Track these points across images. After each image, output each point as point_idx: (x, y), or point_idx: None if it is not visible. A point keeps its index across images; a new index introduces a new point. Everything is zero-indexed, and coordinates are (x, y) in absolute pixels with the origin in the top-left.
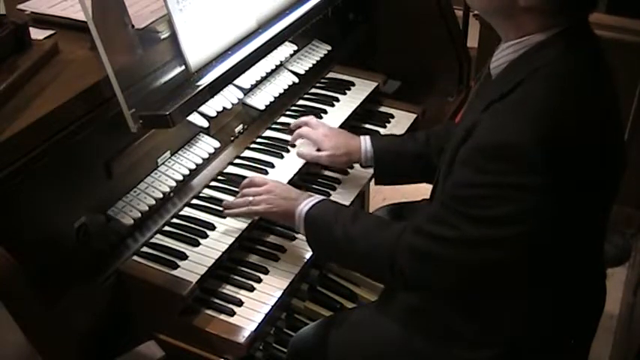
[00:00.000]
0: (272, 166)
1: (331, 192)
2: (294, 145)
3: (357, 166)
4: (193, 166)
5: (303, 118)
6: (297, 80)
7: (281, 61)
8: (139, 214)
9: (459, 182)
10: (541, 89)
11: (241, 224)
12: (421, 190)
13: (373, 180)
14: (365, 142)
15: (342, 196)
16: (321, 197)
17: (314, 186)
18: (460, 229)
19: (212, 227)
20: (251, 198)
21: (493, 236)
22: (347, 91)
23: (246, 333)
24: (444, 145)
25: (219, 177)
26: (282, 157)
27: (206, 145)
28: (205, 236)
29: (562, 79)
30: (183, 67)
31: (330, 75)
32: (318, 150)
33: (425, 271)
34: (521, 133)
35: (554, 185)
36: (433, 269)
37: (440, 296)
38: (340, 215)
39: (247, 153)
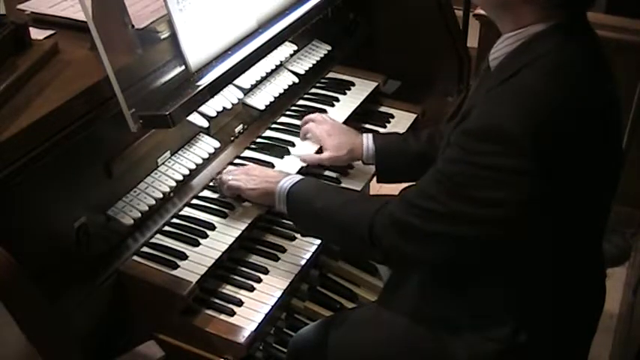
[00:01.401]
0: (272, 166)
1: None
2: (293, 145)
3: (357, 166)
4: (193, 166)
5: (310, 116)
6: (297, 80)
7: (281, 61)
8: (139, 214)
9: (447, 159)
10: (537, 78)
11: (241, 224)
12: None
13: (374, 180)
14: (367, 139)
15: None
16: (301, 176)
17: None
18: (442, 203)
19: (212, 227)
20: (231, 177)
21: (474, 215)
22: (347, 91)
23: (246, 333)
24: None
25: None
26: (282, 157)
27: (206, 145)
28: (205, 236)
29: (559, 68)
30: (183, 67)
31: (330, 75)
32: (320, 148)
33: (402, 240)
34: (513, 117)
35: (541, 172)
36: (410, 240)
37: (440, 294)
38: (323, 188)
39: (247, 153)
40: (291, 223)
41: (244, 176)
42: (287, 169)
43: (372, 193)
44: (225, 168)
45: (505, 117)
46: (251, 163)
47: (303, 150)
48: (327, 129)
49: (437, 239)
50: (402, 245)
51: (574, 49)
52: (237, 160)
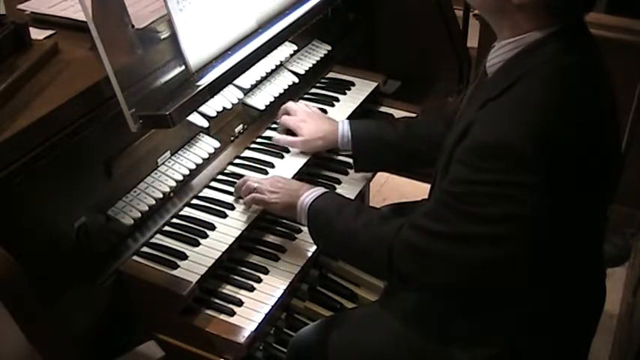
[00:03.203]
0: (272, 166)
1: None
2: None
3: None
4: (193, 166)
5: (284, 105)
6: (297, 80)
7: (281, 61)
8: (139, 214)
9: (454, 179)
10: (537, 88)
11: (241, 224)
12: (421, 190)
13: (374, 180)
14: (342, 125)
15: None
16: (324, 189)
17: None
18: (454, 225)
19: (212, 227)
20: (255, 185)
21: (487, 234)
22: (347, 91)
23: (246, 333)
24: (436, 144)
25: (219, 177)
26: (282, 157)
27: (206, 145)
28: (205, 236)
29: (558, 78)
30: (183, 67)
31: (330, 75)
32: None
33: (420, 266)
34: (517, 132)
35: (549, 184)
36: (428, 265)
37: (440, 296)
38: (343, 209)
39: (247, 153)
40: (291, 223)
41: (268, 189)
42: (287, 169)
43: (372, 193)
44: (226, 168)
45: (508, 132)
46: (274, 173)
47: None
48: (300, 117)
49: (454, 261)
50: (419, 272)
51: (572, 58)
52: (237, 160)
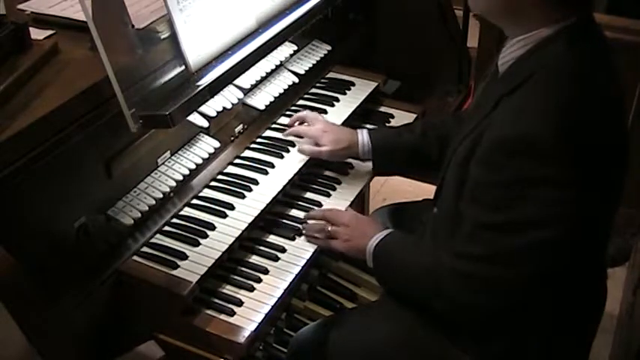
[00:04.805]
0: (272, 166)
1: (331, 192)
2: (293, 145)
3: (357, 166)
4: (193, 166)
5: (301, 114)
6: (297, 80)
7: (281, 61)
8: (139, 214)
9: (480, 183)
10: (551, 83)
11: (241, 224)
12: (421, 190)
13: (374, 180)
14: (362, 136)
15: (342, 196)
16: (388, 231)
17: (314, 186)
18: (496, 243)
19: (212, 227)
20: (329, 227)
21: (530, 241)
22: (347, 91)
23: (246, 333)
24: (450, 143)
25: (219, 177)
26: (282, 157)
27: (206, 145)
28: (205, 236)
29: (571, 72)
30: (183, 67)
31: (330, 75)
32: (317, 145)
33: (475, 294)
34: (535, 125)
35: (572, 178)
36: (483, 291)
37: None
38: (403, 246)
39: (247, 153)
40: (291, 223)
41: (343, 237)
42: (287, 169)
43: (372, 193)
44: (226, 168)
45: (527, 125)
46: (274, 173)
47: (302, 145)
48: (321, 127)
49: (511, 279)
50: (478, 299)
51: (583, 54)
52: (237, 160)
